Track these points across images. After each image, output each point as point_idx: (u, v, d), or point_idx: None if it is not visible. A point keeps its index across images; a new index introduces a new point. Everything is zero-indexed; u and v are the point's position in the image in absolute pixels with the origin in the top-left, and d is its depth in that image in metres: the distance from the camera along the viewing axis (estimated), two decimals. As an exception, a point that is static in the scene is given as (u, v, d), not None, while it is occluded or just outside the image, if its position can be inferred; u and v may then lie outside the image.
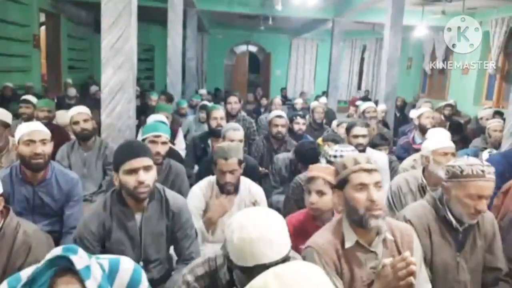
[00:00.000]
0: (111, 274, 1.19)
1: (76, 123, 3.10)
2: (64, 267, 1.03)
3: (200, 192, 2.37)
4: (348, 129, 3.15)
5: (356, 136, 3.04)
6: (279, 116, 3.80)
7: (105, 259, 1.22)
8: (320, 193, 1.96)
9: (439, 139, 2.59)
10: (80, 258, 1.04)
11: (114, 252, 1.80)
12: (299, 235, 1.90)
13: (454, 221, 1.74)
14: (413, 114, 4.39)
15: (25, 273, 1.10)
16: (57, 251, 1.05)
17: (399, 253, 1.51)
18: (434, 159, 2.41)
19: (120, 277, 1.20)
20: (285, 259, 1.17)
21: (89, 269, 1.05)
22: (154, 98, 6.15)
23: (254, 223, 1.17)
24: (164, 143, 2.65)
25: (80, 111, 3.16)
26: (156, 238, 1.87)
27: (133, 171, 1.69)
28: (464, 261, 1.77)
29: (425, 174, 2.44)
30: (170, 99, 6.22)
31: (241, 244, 1.15)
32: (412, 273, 1.24)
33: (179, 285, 1.39)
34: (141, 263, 1.85)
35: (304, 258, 1.50)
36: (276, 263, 1.15)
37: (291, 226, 2.00)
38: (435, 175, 2.37)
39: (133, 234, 1.81)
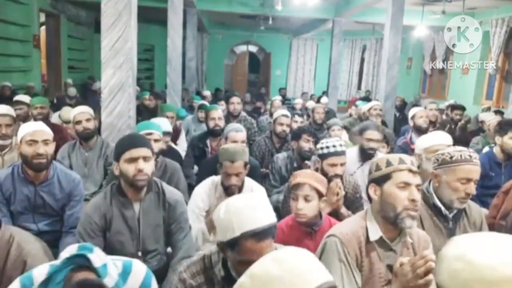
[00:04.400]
0: (124, 274, 1.20)
1: (79, 122, 3.10)
2: (80, 265, 1.03)
3: (203, 193, 2.37)
4: (361, 131, 3.10)
5: (369, 140, 3.00)
6: (285, 115, 3.84)
7: (119, 260, 1.23)
8: (307, 199, 1.94)
9: (430, 137, 2.63)
10: (97, 256, 1.05)
11: (114, 243, 1.87)
12: (289, 241, 1.89)
13: (443, 208, 1.83)
14: (409, 114, 4.38)
15: (39, 272, 1.09)
16: (73, 249, 1.05)
17: (415, 255, 1.53)
18: (426, 157, 2.50)
19: (132, 279, 1.21)
20: (270, 229, 1.23)
21: (106, 267, 1.06)
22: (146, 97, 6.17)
23: (237, 198, 1.31)
24: (156, 140, 2.69)
25: (83, 111, 3.16)
26: (154, 229, 1.93)
27: (133, 160, 1.80)
28: None
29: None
30: (159, 98, 6.21)
31: (228, 216, 1.24)
32: (431, 271, 1.25)
33: (175, 283, 1.40)
34: (140, 253, 1.90)
35: (325, 246, 1.52)
36: (263, 230, 1.21)
37: (280, 231, 1.98)
38: (428, 173, 2.41)
39: (132, 224, 1.88)
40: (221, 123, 3.72)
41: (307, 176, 2.01)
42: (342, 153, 2.46)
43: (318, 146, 2.54)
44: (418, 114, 4.03)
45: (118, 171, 1.84)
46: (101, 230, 1.86)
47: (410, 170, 1.47)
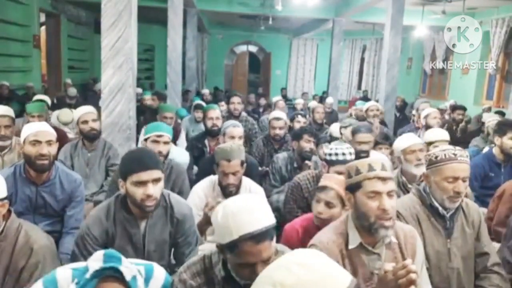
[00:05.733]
0: (146, 280, 1.20)
1: (85, 122, 3.09)
2: (108, 274, 1.03)
3: (201, 192, 2.37)
4: (353, 134, 3.10)
5: (360, 143, 2.98)
6: (277, 119, 3.79)
7: (141, 265, 1.22)
8: (329, 205, 1.93)
9: (406, 139, 2.65)
10: (127, 268, 1.05)
11: None
12: (303, 243, 1.88)
13: (440, 208, 1.81)
14: (412, 113, 4.37)
15: (61, 275, 1.10)
16: (99, 258, 1.04)
17: (402, 254, 1.52)
18: (405, 158, 2.52)
19: (153, 283, 1.21)
20: (268, 231, 1.22)
21: (136, 279, 1.06)
22: (148, 97, 6.13)
23: (234, 200, 1.29)
24: (166, 143, 2.66)
25: (89, 111, 3.15)
26: (160, 246, 1.84)
27: (142, 183, 1.65)
28: (456, 248, 1.82)
29: (403, 172, 2.53)
30: (162, 98, 6.17)
31: (225, 220, 1.23)
32: (412, 282, 1.23)
33: (175, 284, 1.39)
34: None
35: None
36: (261, 232, 1.20)
37: (295, 232, 1.99)
38: (410, 173, 2.47)
39: (136, 241, 1.79)
40: (219, 123, 3.70)
41: (336, 182, 1.97)
42: (351, 161, 2.44)
43: (327, 151, 2.49)
44: (432, 115, 4.06)
45: (124, 190, 1.71)
46: (101, 245, 1.74)
47: (379, 178, 1.42)
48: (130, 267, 1.06)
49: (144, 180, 1.65)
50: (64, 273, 1.10)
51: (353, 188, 1.48)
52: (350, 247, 1.48)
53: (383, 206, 1.41)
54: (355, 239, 1.48)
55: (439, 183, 1.77)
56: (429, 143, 2.91)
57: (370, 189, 1.42)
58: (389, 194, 1.43)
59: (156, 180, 1.68)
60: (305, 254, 0.86)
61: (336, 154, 2.41)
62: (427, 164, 1.85)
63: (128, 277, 1.03)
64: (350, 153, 2.44)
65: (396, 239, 1.52)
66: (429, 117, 4.04)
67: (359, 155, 2.99)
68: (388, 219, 1.41)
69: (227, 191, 2.29)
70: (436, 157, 1.80)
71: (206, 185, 2.40)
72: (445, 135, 3.04)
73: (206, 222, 2.11)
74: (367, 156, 2.98)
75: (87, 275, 1.03)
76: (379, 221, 1.41)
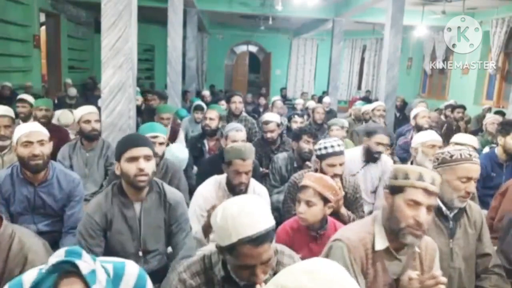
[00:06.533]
0: (116, 278, 1.17)
1: (87, 122, 3.09)
2: (67, 270, 1.01)
3: (206, 193, 2.34)
4: (370, 134, 3.06)
5: (378, 144, 2.96)
6: (266, 122, 3.76)
7: (110, 263, 1.20)
8: (309, 203, 1.93)
9: (428, 133, 2.76)
10: (85, 263, 1.03)
11: (114, 243, 1.87)
12: (293, 243, 1.89)
13: (444, 208, 1.82)
14: (411, 114, 4.35)
15: (27, 277, 1.08)
16: (60, 254, 1.02)
17: (421, 265, 1.52)
18: (422, 151, 2.60)
19: (125, 282, 1.19)
20: (268, 233, 1.21)
21: (95, 273, 1.04)
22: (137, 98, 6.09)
23: (234, 202, 1.27)
24: (161, 143, 2.68)
25: (91, 111, 3.16)
26: (155, 230, 1.92)
27: (134, 159, 1.78)
28: (458, 248, 1.83)
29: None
30: (162, 97, 6.14)
31: (224, 222, 1.22)
32: None
33: (175, 283, 1.39)
34: (140, 253, 1.90)
35: (330, 250, 1.49)
36: (260, 235, 1.19)
37: (285, 233, 2.00)
38: (422, 166, 2.45)
39: (132, 224, 1.87)
40: (213, 124, 3.71)
41: (314, 181, 1.97)
42: (341, 153, 2.45)
43: (316, 147, 2.52)
44: (421, 114, 4.06)
45: (119, 171, 1.82)
46: (102, 229, 1.85)
47: (426, 190, 1.40)
48: (88, 261, 1.04)
49: (136, 156, 1.79)
50: (31, 274, 1.08)
51: (394, 190, 1.46)
52: (376, 248, 1.47)
53: (418, 218, 1.39)
54: (382, 242, 1.47)
55: (451, 182, 1.78)
56: (457, 144, 2.89)
57: (412, 197, 1.41)
58: (428, 208, 1.41)
59: (147, 157, 1.81)
60: (316, 263, 0.84)
61: (326, 148, 2.44)
62: (439, 162, 1.85)
63: (84, 271, 1.01)
64: (339, 145, 2.46)
65: (418, 248, 1.52)
66: (418, 116, 4.05)
67: (372, 155, 3.00)
68: (419, 230, 1.41)
69: (237, 189, 2.28)
70: (451, 156, 1.80)
71: (211, 185, 2.38)
72: (475, 141, 3.02)
73: (210, 224, 2.11)
74: (379, 157, 3.00)
75: (44, 270, 1.01)
76: (409, 228, 1.40)
